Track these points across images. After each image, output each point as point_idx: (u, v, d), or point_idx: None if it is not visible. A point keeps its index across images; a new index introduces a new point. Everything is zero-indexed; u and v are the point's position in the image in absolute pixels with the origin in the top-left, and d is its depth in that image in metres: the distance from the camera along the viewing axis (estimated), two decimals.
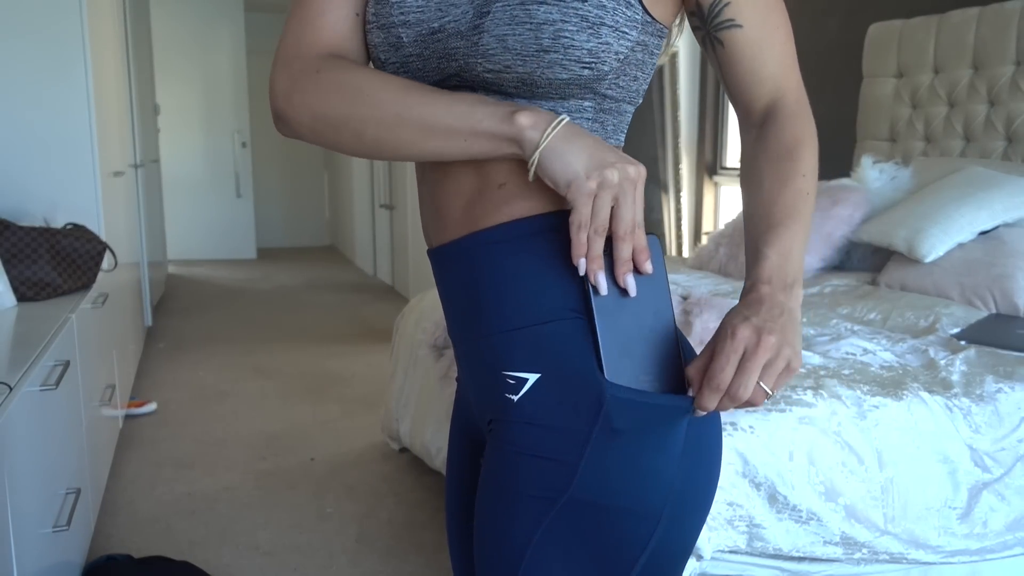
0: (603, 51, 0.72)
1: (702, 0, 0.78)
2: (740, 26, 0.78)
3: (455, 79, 0.76)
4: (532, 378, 0.75)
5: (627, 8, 0.73)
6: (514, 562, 0.75)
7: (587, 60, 0.72)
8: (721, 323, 0.73)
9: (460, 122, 0.72)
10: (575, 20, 0.70)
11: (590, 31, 0.71)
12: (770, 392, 0.71)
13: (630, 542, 0.75)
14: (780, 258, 0.75)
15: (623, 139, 0.82)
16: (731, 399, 0.71)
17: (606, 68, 0.73)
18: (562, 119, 0.71)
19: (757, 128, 0.82)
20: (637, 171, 0.70)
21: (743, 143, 0.84)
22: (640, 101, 0.83)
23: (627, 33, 0.73)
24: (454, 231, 0.79)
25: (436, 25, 0.76)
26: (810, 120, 0.81)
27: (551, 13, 0.70)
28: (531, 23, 0.70)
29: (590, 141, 0.71)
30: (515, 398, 0.76)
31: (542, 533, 0.74)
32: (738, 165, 4.86)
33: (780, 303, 0.72)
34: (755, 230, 0.78)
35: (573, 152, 0.70)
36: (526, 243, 0.76)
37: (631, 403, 0.73)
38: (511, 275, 0.76)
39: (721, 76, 0.82)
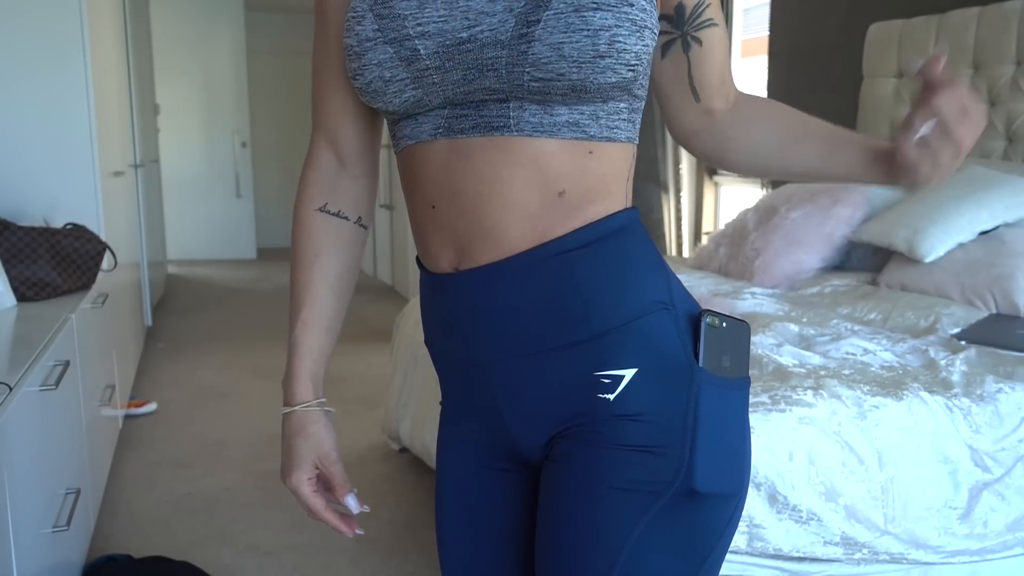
0: (644, 53, 0.75)
1: (686, 1, 0.82)
2: (716, 24, 0.84)
3: (484, 91, 0.74)
4: (629, 374, 0.77)
5: (654, 9, 0.76)
6: (612, 556, 0.76)
7: (633, 63, 0.74)
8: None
9: None
10: (627, 24, 0.72)
11: (637, 35, 0.73)
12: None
13: (720, 520, 0.80)
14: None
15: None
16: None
17: (642, 69, 0.76)
18: None
19: (730, 108, 0.89)
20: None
21: (713, 130, 0.90)
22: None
23: (656, 34, 0.77)
24: (514, 246, 0.76)
25: (465, 35, 0.73)
26: None
27: (606, 19, 0.71)
28: (588, 30, 0.71)
29: None
30: (611, 397, 0.77)
31: (645, 525, 0.76)
32: None
33: None
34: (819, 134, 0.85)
35: None
36: (603, 245, 0.77)
37: (716, 387, 0.78)
38: (594, 279, 0.77)
39: (686, 76, 0.86)
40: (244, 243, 8.03)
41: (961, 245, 2.38)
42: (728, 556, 1.54)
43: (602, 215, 0.78)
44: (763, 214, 2.90)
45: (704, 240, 3.86)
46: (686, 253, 4.63)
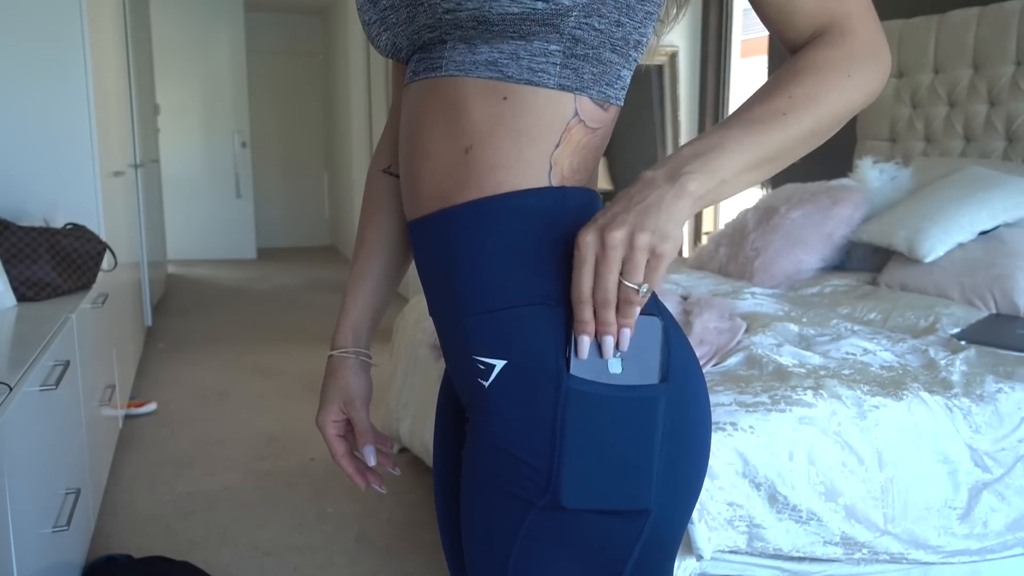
0: None
1: None
2: None
3: (425, 30, 0.74)
4: (499, 364, 0.72)
5: None
6: (502, 559, 0.74)
7: None
8: None
9: None
10: None
11: None
12: (639, 288, 0.65)
13: (621, 539, 0.73)
14: (692, 150, 0.67)
15: (614, 96, 0.75)
16: (602, 306, 0.67)
17: (566, 2, 0.68)
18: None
19: None
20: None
21: None
22: (635, 55, 0.76)
23: None
24: (427, 205, 0.76)
25: None
26: (857, 54, 0.71)
27: None
28: None
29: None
30: (486, 384, 0.73)
31: (525, 532, 0.72)
32: None
33: (652, 185, 0.66)
34: None
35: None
36: (497, 223, 0.72)
37: (590, 396, 0.69)
38: (482, 256, 0.73)
39: (758, 14, 0.75)
40: (244, 243, 8.03)
41: (961, 245, 2.38)
42: (728, 556, 1.54)
43: (503, 189, 0.72)
44: (763, 214, 2.90)
45: (704, 240, 3.86)
46: (686, 253, 4.63)
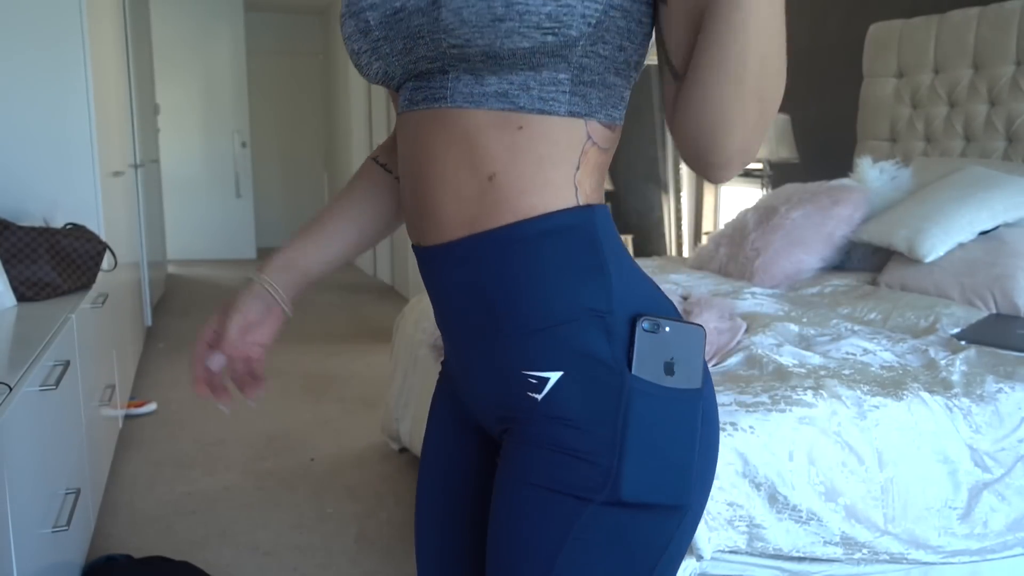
0: (565, 15, 0.68)
1: None
2: None
3: (424, 61, 0.75)
4: (554, 376, 0.75)
5: None
6: (548, 559, 0.75)
7: (548, 25, 0.68)
8: None
9: None
10: None
11: None
12: None
13: (661, 533, 0.77)
14: None
15: (618, 116, 0.78)
16: None
17: (574, 33, 0.69)
18: None
19: None
20: None
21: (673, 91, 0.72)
22: (635, 75, 0.78)
23: None
24: (451, 231, 0.76)
25: (398, 4, 0.74)
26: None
27: None
28: None
29: None
30: (539, 396, 0.75)
31: (577, 531, 0.74)
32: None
33: None
34: None
35: None
36: (535, 245, 0.74)
37: (649, 396, 0.74)
38: (522, 278, 0.74)
39: (663, 39, 0.73)
40: (244, 243, 8.03)
41: (961, 245, 2.38)
42: (728, 556, 1.54)
43: (538, 212, 0.74)
44: (763, 214, 2.90)
45: (704, 240, 3.86)
46: (686, 253, 4.63)
